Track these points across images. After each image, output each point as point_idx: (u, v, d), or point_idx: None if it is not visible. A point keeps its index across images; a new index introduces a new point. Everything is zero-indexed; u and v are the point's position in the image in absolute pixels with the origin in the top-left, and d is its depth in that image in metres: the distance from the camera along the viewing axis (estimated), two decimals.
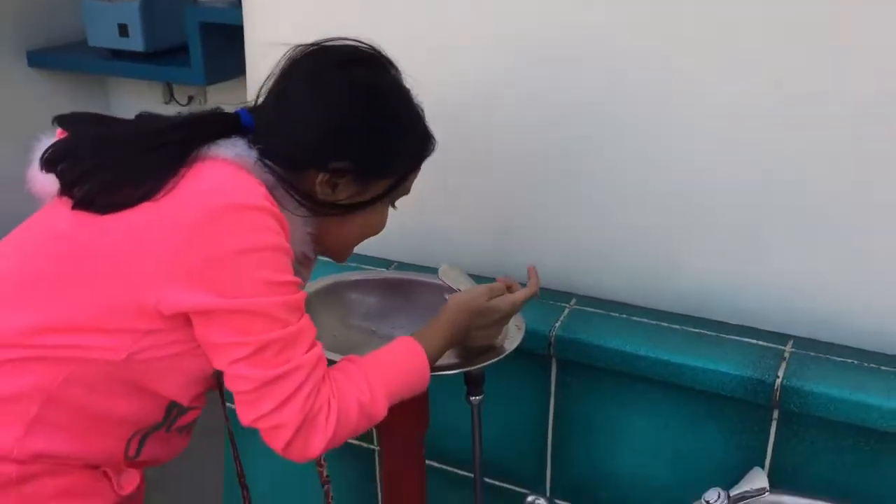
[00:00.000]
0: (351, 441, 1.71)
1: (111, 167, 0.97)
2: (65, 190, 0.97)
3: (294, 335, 0.96)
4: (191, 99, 3.15)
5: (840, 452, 1.31)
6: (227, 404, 1.28)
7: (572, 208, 1.53)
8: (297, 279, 0.99)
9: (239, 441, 1.33)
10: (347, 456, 1.73)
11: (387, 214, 1.16)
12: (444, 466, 1.63)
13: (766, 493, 1.14)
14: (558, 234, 1.55)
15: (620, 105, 1.43)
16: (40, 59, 3.10)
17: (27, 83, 3.11)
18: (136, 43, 2.90)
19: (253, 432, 1.00)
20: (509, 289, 1.19)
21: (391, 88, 1.08)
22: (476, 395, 1.28)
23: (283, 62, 1.08)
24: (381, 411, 1.03)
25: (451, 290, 1.21)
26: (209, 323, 0.94)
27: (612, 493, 1.50)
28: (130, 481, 1.04)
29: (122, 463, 1.03)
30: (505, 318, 1.18)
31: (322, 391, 0.97)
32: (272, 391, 0.94)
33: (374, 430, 1.66)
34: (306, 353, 0.97)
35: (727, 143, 1.38)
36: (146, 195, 0.94)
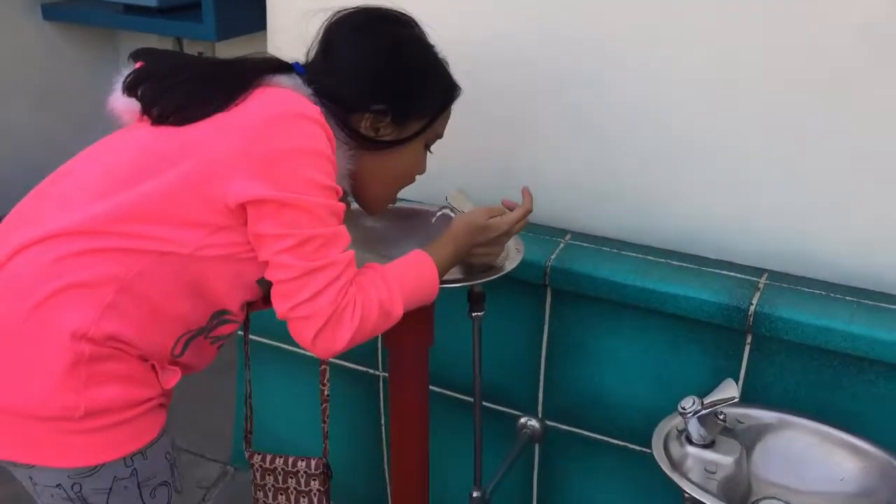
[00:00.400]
0: (356, 367, 1.84)
1: (186, 87, 1.11)
2: (145, 109, 1.11)
3: (333, 236, 1.09)
4: (200, 55, 3.24)
5: (806, 373, 1.44)
6: (251, 337, 1.44)
7: (570, 151, 1.65)
8: (340, 188, 1.13)
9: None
10: (353, 382, 1.86)
11: (424, 158, 1.31)
12: (445, 391, 1.76)
13: (735, 400, 1.27)
14: (556, 174, 1.67)
15: (617, 52, 1.55)
16: (54, 12, 3.18)
17: (41, 36, 3.20)
18: None
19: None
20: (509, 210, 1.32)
21: (417, 43, 1.26)
22: (478, 311, 1.41)
23: (326, 23, 1.24)
24: (398, 311, 1.16)
25: (457, 213, 1.33)
26: (263, 215, 1.06)
27: (599, 413, 1.64)
28: (172, 378, 1.16)
29: (167, 359, 1.15)
30: (503, 235, 1.31)
31: (350, 290, 1.10)
32: (309, 282, 1.07)
33: (381, 352, 1.79)
34: (341, 253, 1.10)
35: (709, 92, 1.50)
36: (217, 109, 1.08)
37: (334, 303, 1.08)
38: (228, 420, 2.21)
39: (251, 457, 1.50)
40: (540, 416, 1.70)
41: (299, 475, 1.47)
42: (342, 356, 1.85)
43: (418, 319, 1.31)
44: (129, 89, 1.12)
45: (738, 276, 1.51)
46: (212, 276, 1.11)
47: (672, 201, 1.60)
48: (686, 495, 1.26)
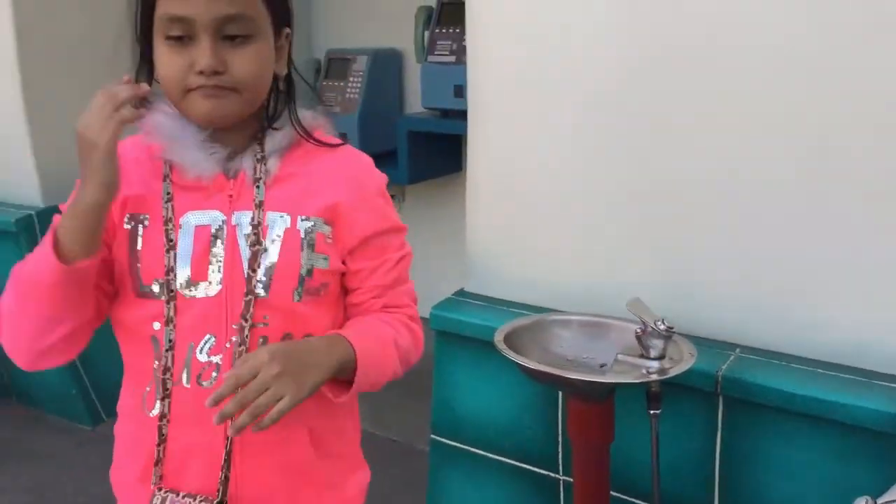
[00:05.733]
0: (537, 469, 1.99)
1: None
2: None
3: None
4: (392, 198, 3.62)
5: None
6: None
7: (742, 268, 1.80)
8: None
9: None
10: (534, 484, 2.01)
11: None
12: (622, 496, 1.87)
13: None
14: (727, 291, 1.82)
15: (776, 167, 1.72)
16: None
17: None
18: None
19: None
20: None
21: None
22: (655, 409, 1.56)
23: None
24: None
25: (637, 321, 1.51)
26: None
27: None
28: None
29: None
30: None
31: None
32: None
33: (560, 455, 1.94)
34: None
35: (871, 209, 1.64)
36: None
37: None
38: None
39: None
40: None
41: None
42: (523, 458, 2.02)
43: (599, 419, 1.48)
44: None
45: None
46: None
47: (838, 316, 1.71)
48: None
